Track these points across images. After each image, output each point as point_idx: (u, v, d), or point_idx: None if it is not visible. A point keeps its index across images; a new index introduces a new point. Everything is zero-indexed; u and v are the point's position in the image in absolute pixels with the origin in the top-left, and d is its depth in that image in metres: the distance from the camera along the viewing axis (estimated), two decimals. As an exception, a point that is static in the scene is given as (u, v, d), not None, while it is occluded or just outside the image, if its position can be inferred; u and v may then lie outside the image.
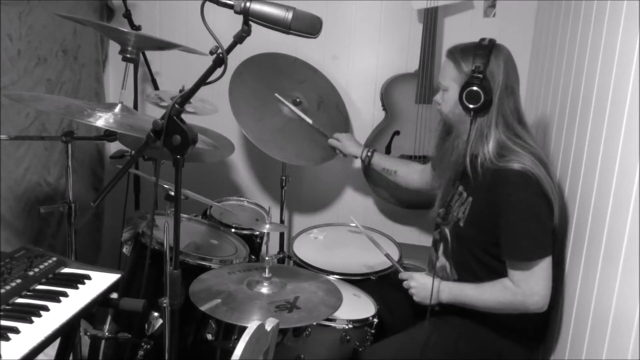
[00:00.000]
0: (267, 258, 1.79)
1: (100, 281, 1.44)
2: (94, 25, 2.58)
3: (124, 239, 2.11)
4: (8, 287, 1.30)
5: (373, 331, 1.91)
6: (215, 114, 2.50)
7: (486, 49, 1.75)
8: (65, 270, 1.47)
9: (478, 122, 1.76)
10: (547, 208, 1.71)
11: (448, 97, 1.83)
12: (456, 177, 1.90)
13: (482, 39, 1.78)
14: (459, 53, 1.79)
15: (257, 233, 2.33)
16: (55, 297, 1.32)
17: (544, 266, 1.68)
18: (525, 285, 1.69)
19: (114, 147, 2.76)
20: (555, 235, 1.79)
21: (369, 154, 2.35)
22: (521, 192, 1.69)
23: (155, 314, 1.65)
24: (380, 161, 2.35)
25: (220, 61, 1.32)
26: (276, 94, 2.51)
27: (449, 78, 1.81)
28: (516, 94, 1.79)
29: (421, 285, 1.86)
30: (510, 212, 1.70)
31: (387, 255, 2.03)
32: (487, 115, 1.75)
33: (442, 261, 1.94)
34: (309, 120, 2.47)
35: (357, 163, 2.86)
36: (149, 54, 2.83)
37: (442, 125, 1.95)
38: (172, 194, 1.63)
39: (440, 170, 1.97)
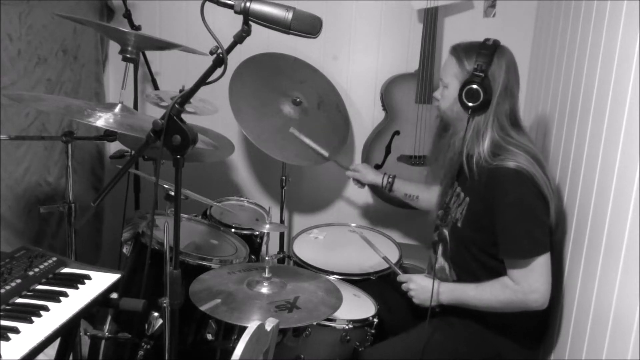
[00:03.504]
0: (267, 258, 1.79)
1: (100, 281, 1.44)
2: (94, 25, 2.58)
3: (124, 239, 2.11)
4: (8, 287, 1.30)
5: (373, 331, 1.91)
6: (215, 114, 2.50)
7: (490, 49, 1.75)
8: (65, 270, 1.47)
9: (475, 120, 1.76)
10: (543, 205, 1.71)
11: (448, 94, 1.83)
12: (452, 175, 1.90)
13: (487, 39, 1.78)
14: (463, 50, 1.79)
15: (257, 233, 2.32)
16: (55, 297, 1.32)
17: (543, 263, 1.68)
18: (524, 283, 1.69)
19: (114, 147, 2.76)
20: (554, 234, 1.79)
21: (390, 180, 2.28)
22: (516, 190, 1.69)
23: (155, 314, 1.65)
24: (402, 187, 2.29)
25: (220, 61, 1.32)
26: (291, 129, 2.43)
27: (450, 74, 1.81)
28: (515, 97, 1.79)
29: (421, 287, 1.86)
30: (506, 210, 1.70)
31: (385, 259, 2.03)
32: (484, 115, 1.76)
33: (441, 262, 1.94)
34: (325, 153, 2.40)
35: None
36: (149, 54, 2.83)
37: (439, 122, 1.95)
38: (172, 194, 1.63)
39: (436, 167, 1.97)
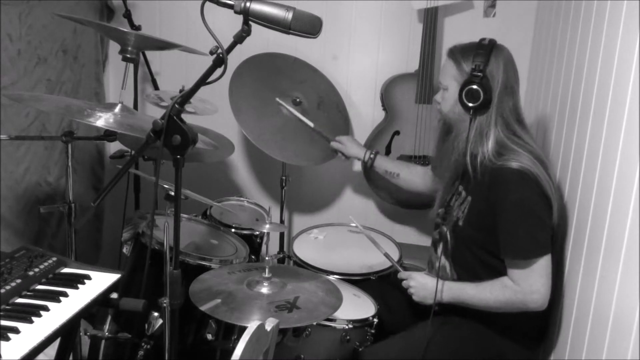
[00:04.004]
0: (267, 258, 1.79)
1: (100, 281, 1.44)
2: (94, 25, 2.58)
3: (124, 239, 2.11)
4: (8, 287, 1.30)
5: (373, 331, 1.91)
6: (215, 114, 2.50)
7: (486, 49, 1.75)
8: (65, 270, 1.47)
9: (477, 121, 1.76)
10: (546, 207, 1.71)
11: (448, 96, 1.83)
12: (456, 176, 1.90)
13: (483, 39, 1.79)
14: (460, 52, 1.80)
15: (257, 233, 2.32)
16: (55, 297, 1.32)
17: (543, 264, 1.68)
18: (524, 284, 1.69)
19: (114, 147, 2.76)
20: (555, 235, 1.79)
21: (372, 156, 2.32)
22: (519, 191, 1.69)
23: (155, 314, 1.65)
24: (383, 163, 2.33)
25: (220, 61, 1.33)
26: (277, 99, 2.49)
27: (449, 77, 1.81)
28: (516, 94, 1.80)
29: (421, 285, 1.86)
30: (509, 210, 1.70)
31: (386, 255, 2.03)
32: (486, 114, 1.76)
33: (441, 261, 1.94)
34: (310, 124, 2.45)
35: (357, 163, 2.86)
36: (149, 54, 2.83)
37: (441, 125, 1.95)
38: (172, 194, 1.63)
39: (440, 170, 1.97)
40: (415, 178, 2.27)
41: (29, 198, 2.42)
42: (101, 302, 1.40)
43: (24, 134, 2.38)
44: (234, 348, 1.22)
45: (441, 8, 2.62)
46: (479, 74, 1.73)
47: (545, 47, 2.38)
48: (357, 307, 1.97)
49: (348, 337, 1.85)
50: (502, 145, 1.75)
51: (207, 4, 1.30)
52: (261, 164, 3.04)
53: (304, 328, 1.81)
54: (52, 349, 1.49)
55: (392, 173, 2.32)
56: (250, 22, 1.32)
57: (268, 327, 1.38)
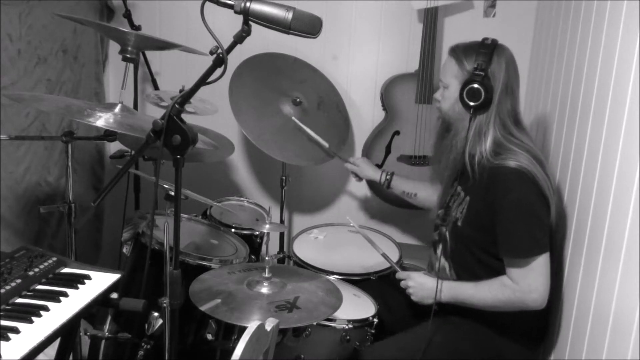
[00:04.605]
0: (267, 258, 1.79)
1: (100, 281, 1.44)
2: (94, 25, 2.58)
3: (124, 239, 2.11)
4: (8, 287, 1.30)
5: (373, 331, 1.91)
6: (215, 114, 2.50)
7: (489, 48, 1.75)
8: (65, 270, 1.47)
9: (477, 120, 1.76)
10: (544, 205, 1.71)
11: (448, 94, 1.83)
12: (455, 175, 1.90)
13: (485, 39, 1.79)
14: (462, 51, 1.80)
15: (257, 233, 2.32)
16: (55, 297, 1.32)
17: (542, 263, 1.68)
18: (523, 283, 1.69)
19: (114, 147, 2.76)
20: (554, 234, 1.80)
21: (388, 177, 2.31)
22: (517, 190, 1.70)
23: (155, 314, 1.65)
24: (400, 184, 2.31)
25: (220, 61, 1.33)
26: (293, 118, 2.49)
27: (450, 75, 1.81)
28: (515, 95, 1.80)
29: (419, 285, 1.86)
30: (507, 209, 1.70)
31: (384, 255, 2.03)
32: (486, 114, 1.76)
33: (441, 262, 1.94)
34: (325, 144, 2.44)
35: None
36: (149, 54, 2.83)
37: (440, 123, 1.95)
38: (172, 194, 1.63)
39: (439, 168, 1.97)
40: (433, 197, 2.16)
41: (29, 198, 2.42)
42: (101, 302, 1.40)
43: (24, 134, 2.37)
44: (234, 348, 1.22)
45: (441, 8, 2.62)
46: (481, 73, 1.73)
47: (545, 47, 2.38)
48: (357, 307, 1.97)
49: (348, 337, 1.85)
50: (499, 144, 1.75)
51: (207, 4, 1.30)
52: (261, 164, 3.04)
53: (304, 328, 1.81)
54: (52, 349, 1.49)
55: (409, 194, 2.29)
56: (250, 22, 1.32)
57: (268, 327, 1.38)
